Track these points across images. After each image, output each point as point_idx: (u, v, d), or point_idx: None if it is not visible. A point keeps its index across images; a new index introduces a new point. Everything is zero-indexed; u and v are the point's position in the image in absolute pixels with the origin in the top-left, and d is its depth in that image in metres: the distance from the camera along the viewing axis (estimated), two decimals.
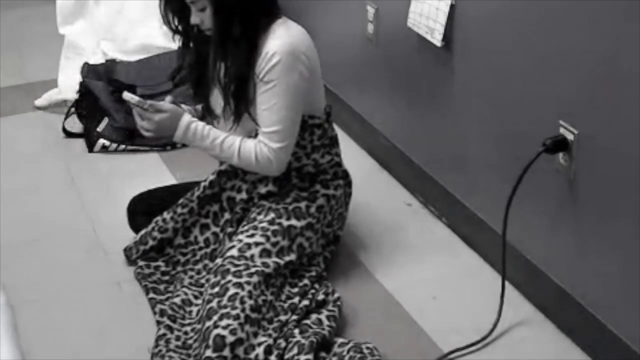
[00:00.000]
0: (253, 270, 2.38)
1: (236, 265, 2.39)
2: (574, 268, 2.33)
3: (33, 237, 2.90)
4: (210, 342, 2.22)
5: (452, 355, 2.34)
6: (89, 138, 3.46)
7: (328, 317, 2.40)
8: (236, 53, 2.43)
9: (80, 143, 3.49)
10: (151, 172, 3.26)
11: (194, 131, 2.51)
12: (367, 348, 2.29)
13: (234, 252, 2.43)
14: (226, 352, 2.21)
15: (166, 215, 2.66)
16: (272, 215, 2.52)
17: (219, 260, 2.43)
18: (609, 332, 2.21)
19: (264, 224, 2.50)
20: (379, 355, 2.28)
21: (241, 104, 2.47)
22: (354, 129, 3.35)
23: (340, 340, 2.34)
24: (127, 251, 2.71)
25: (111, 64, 3.67)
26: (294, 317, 2.38)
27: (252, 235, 2.47)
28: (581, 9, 2.13)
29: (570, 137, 2.24)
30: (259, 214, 2.54)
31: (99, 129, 3.44)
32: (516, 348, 2.37)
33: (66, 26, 3.94)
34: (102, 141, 3.43)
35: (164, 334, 2.37)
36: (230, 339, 2.22)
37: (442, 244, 2.82)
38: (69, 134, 3.54)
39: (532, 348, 2.37)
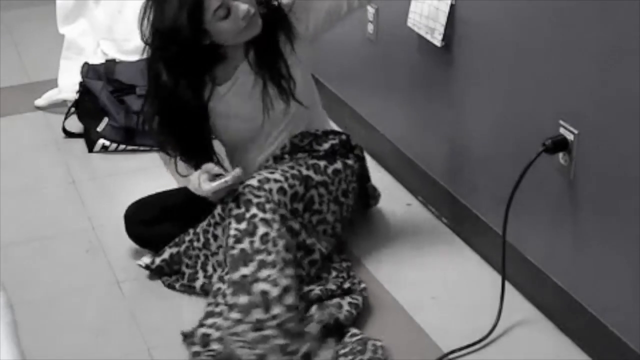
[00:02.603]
0: (273, 205, 2.40)
1: (257, 196, 2.40)
2: (574, 268, 2.33)
3: (33, 237, 2.90)
4: (259, 299, 2.25)
5: (451, 355, 2.34)
6: (89, 138, 3.46)
7: (350, 304, 2.42)
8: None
9: (80, 143, 3.49)
10: (151, 172, 3.26)
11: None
12: (373, 345, 2.29)
13: (254, 182, 2.44)
14: (277, 309, 2.26)
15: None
16: (291, 163, 2.57)
17: (239, 189, 2.43)
18: (609, 331, 2.21)
19: (284, 167, 2.54)
20: (381, 356, 2.27)
21: (283, 83, 2.57)
22: (353, 129, 3.34)
23: (353, 330, 2.35)
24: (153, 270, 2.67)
25: (111, 64, 3.67)
26: (318, 289, 2.42)
27: (272, 173, 2.49)
28: (581, 8, 2.13)
29: (570, 137, 2.23)
30: (279, 164, 2.60)
31: (99, 129, 3.44)
32: (516, 348, 2.36)
33: (66, 26, 3.94)
34: (102, 141, 3.43)
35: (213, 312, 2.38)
36: (274, 292, 2.26)
37: (442, 244, 2.82)
38: (69, 134, 3.54)
39: (532, 348, 2.37)
